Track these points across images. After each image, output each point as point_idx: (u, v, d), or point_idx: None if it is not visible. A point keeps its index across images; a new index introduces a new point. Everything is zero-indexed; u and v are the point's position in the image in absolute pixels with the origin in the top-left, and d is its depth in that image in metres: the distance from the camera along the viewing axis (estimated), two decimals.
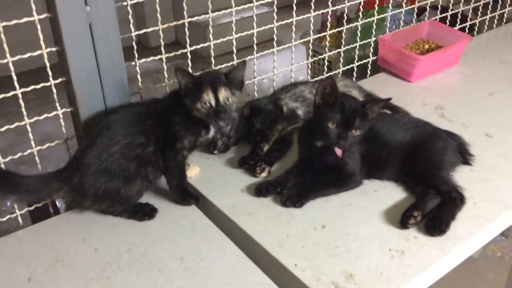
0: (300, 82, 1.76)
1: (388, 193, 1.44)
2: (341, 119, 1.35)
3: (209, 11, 1.57)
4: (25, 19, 1.25)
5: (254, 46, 1.74)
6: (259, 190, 1.42)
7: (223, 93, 1.36)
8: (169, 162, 1.39)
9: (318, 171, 1.44)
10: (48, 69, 1.33)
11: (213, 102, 1.35)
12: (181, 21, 1.54)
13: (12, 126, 1.35)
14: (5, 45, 1.24)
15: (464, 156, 1.52)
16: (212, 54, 1.65)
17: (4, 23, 1.22)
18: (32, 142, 1.40)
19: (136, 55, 1.49)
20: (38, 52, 1.30)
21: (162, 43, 1.52)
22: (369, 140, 1.46)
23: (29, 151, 1.41)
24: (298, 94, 1.70)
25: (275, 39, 1.78)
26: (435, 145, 1.48)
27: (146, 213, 1.37)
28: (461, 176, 1.47)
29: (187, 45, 1.58)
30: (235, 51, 1.69)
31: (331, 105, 1.36)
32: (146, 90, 1.58)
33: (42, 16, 1.27)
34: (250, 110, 1.66)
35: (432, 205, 1.35)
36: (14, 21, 1.24)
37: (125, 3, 1.40)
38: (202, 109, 1.36)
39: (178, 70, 1.34)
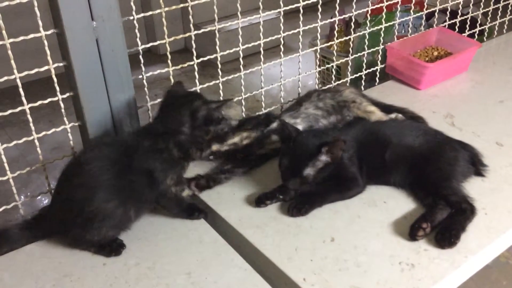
0: (304, 98, 1.72)
1: (397, 204, 1.42)
2: (289, 163, 1.39)
3: (216, 23, 1.57)
4: (31, 35, 1.25)
5: (261, 57, 1.73)
6: (259, 199, 1.43)
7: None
8: (162, 203, 1.37)
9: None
10: (56, 85, 1.34)
11: None
12: (187, 34, 1.54)
13: (20, 141, 1.36)
14: (12, 62, 1.25)
15: (477, 167, 1.50)
16: (219, 65, 1.64)
17: (11, 40, 1.23)
18: (40, 156, 1.42)
19: (143, 68, 1.50)
20: (46, 67, 1.31)
21: (169, 56, 1.52)
22: (372, 142, 1.46)
23: (36, 165, 1.42)
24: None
25: (282, 49, 1.78)
26: (446, 155, 1.46)
27: (113, 249, 1.31)
28: (472, 186, 1.45)
29: (194, 58, 1.58)
30: (242, 62, 1.69)
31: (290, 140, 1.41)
32: (156, 96, 1.58)
33: (49, 32, 1.28)
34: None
35: (441, 217, 1.33)
36: (21, 38, 1.24)
37: (131, 18, 1.40)
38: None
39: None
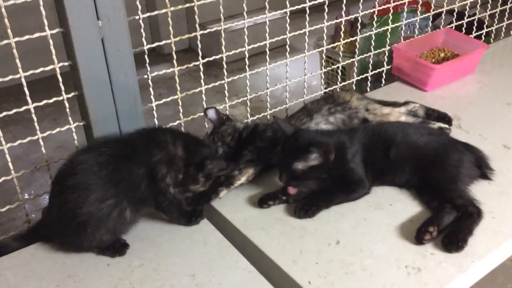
0: (314, 108, 1.67)
1: (404, 207, 1.41)
2: (281, 159, 1.40)
3: (221, 23, 1.56)
4: (37, 34, 1.25)
5: (267, 57, 1.72)
6: (261, 200, 1.43)
7: None
8: (161, 205, 1.34)
9: (324, 180, 1.43)
10: (61, 84, 1.33)
11: None
12: (193, 34, 1.53)
13: (25, 141, 1.36)
14: (17, 60, 1.24)
15: (482, 169, 1.49)
16: (225, 66, 1.63)
17: (17, 38, 1.22)
18: (44, 156, 1.41)
19: (148, 68, 1.49)
20: (51, 66, 1.30)
21: (175, 56, 1.52)
22: (376, 142, 1.47)
23: (40, 164, 1.42)
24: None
25: (288, 49, 1.76)
26: (451, 157, 1.45)
27: (117, 249, 1.30)
28: (479, 189, 1.44)
29: (199, 57, 1.57)
30: (247, 62, 1.68)
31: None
32: (160, 96, 1.57)
33: (54, 31, 1.27)
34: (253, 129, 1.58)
35: (448, 220, 1.32)
36: (27, 37, 1.24)
37: (137, 17, 1.39)
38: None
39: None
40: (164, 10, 1.45)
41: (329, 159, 1.36)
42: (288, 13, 1.70)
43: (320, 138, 1.39)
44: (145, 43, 1.44)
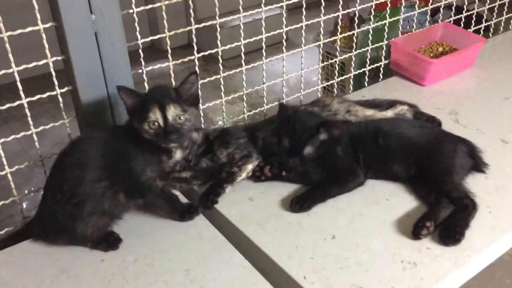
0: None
1: (400, 202, 1.40)
2: (289, 142, 1.42)
3: (217, 17, 1.55)
4: (30, 28, 1.24)
5: (263, 51, 1.71)
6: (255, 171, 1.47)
7: (172, 111, 1.24)
8: (147, 197, 1.32)
9: (318, 174, 1.44)
10: (54, 79, 1.32)
11: (161, 122, 1.23)
12: (187, 28, 1.52)
13: (19, 136, 1.35)
14: (10, 55, 1.24)
15: (476, 160, 1.48)
16: (221, 60, 1.62)
17: (9, 33, 1.21)
18: (39, 151, 1.40)
19: (143, 63, 1.48)
20: (44, 61, 1.29)
21: (169, 50, 1.50)
22: (365, 131, 1.49)
23: (34, 160, 1.41)
24: None
25: (284, 44, 1.75)
26: (444, 148, 1.45)
27: (110, 243, 1.29)
28: (476, 184, 1.43)
29: (195, 52, 1.56)
30: (243, 57, 1.67)
31: None
32: None
33: (47, 25, 1.26)
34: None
35: (445, 214, 1.31)
36: (19, 31, 1.23)
37: (131, 11, 1.38)
38: (149, 130, 1.24)
39: (121, 89, 1.24)
40: (158, 4, 1.44)
41: (335, 135, 1.40)
42: (285, 8, 1.69)
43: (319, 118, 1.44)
44: (139, 37, 1.43)
